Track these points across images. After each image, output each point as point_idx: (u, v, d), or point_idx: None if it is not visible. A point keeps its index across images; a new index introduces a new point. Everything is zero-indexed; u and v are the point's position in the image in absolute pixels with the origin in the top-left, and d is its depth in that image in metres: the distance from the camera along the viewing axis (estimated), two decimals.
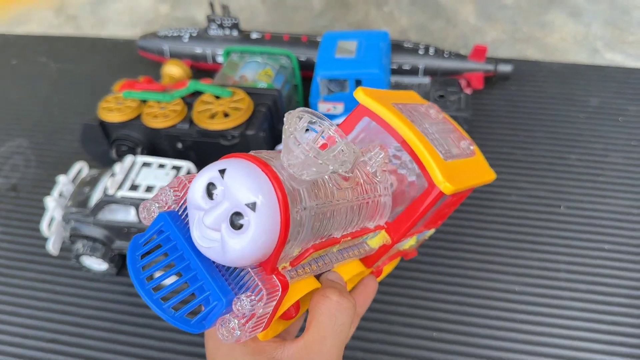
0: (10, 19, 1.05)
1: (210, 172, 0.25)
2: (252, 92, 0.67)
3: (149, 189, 0.57)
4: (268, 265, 0.26)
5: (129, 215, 0.58)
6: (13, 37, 1.02)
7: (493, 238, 0.64)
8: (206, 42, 0.84)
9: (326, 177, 0.29)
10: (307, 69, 0.80)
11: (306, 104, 0.79)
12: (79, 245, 0.60)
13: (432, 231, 0.42)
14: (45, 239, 0.63)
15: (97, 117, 0.68)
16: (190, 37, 0.85)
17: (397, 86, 0.76)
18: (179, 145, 0.66)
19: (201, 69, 0.86)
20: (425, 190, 0.34)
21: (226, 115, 0.64)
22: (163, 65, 0.81)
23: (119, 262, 0.62)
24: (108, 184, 0.58)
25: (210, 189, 0.25)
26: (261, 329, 0.27)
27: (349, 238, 0.31)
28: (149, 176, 0.58)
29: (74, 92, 0.89)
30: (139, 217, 0.57)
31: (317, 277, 0.33)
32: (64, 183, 0.62)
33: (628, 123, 0.76)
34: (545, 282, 0.59)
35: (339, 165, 0.25)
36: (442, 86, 0.74)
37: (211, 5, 0.82)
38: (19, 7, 1.06)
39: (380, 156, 0.33)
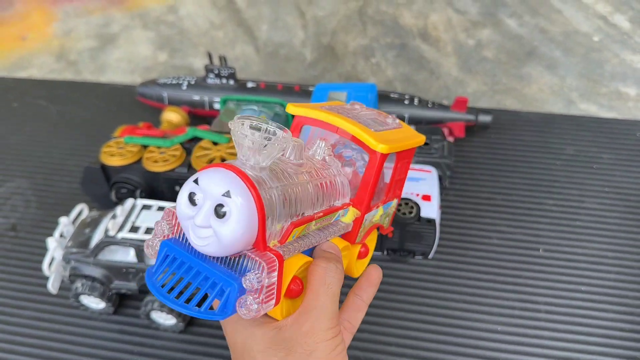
0: (12, 64, 1.09)
1: (187, 185, 0.30)
2: None
3: (148, 230, 0.60)
4: (259, 242, 0.30)
5: (128, 256, 0.61)
6: (14, 80, 1.06)
7: (476, 279, 0.67)
8: (204, 90, 0.88)
9: (282, 165, 0.34)
10: None
11: None
12: (78, 285, 0.62)
13: (394, 202, 0.46)
14: (43, 278, 0.65)
15: (98, 160, 0.71)
16: (189, 85, 0.89)
17: None
18: (177, 188, 0.69)
19: (198, 115, 0.90)
20: (370, 159, 0.39)
21: (223, 160, 0.67)
22: (163, 112, 0.85)
23: (116, 301, 0.64)
24: (109, 225, 0.60)
25: (192, 197, 0.30)
26: (273, 300, 0.31)
27: (321, 215, 0.36)
28: (149, 218, 0.61)
29: (73, 135, 0.92)
30: (137, 258, 0.60)
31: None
32: (65, 224, 0.65)
33: (602, 170, 0.81)
34: (526, 322, 0.62)
35: (282, 149, 0.30)
36: (427, 134, 0.78)
37: (209, 56, 0.86)
38: (21, 53, 1.10)
39: (323, 145, 0.39)
